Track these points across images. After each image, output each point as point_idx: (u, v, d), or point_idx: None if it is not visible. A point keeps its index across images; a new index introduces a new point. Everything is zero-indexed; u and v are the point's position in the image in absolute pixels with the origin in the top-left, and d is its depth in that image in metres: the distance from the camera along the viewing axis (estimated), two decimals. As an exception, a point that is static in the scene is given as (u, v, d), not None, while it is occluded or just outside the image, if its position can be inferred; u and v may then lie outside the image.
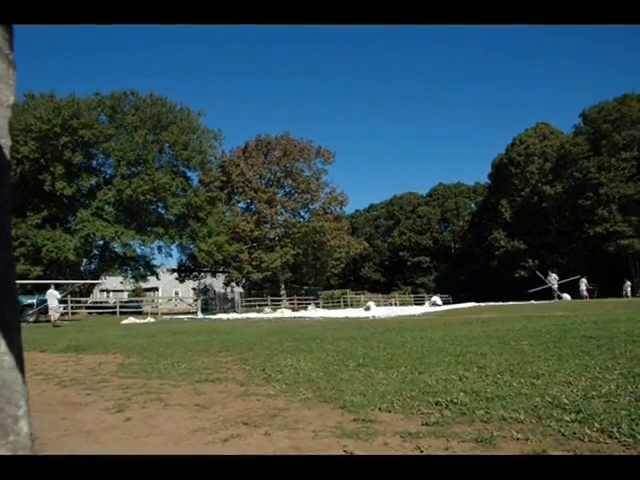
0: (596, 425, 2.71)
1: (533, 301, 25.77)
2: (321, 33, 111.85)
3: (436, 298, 30.45)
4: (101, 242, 33.94)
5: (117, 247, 34.40)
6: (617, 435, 2.55)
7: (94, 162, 35.62)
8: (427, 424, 2.97)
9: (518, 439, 2.60)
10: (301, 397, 3.89)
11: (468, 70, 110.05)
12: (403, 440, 2.72)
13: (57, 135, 30.40)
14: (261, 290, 42.91)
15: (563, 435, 2.62)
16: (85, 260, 35.81)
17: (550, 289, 27.98)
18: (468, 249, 53.09)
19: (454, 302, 36.71)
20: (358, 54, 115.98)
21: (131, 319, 21.77)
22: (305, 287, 45.13)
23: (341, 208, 42.12)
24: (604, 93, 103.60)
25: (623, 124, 40.48)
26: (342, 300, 42.81)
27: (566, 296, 26.69)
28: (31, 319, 21.56)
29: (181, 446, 2.82)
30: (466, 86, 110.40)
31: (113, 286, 48.36)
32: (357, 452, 2.55)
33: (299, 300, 38.98)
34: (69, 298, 29.00)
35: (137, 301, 30.11)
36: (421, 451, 2.53)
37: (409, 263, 63.67)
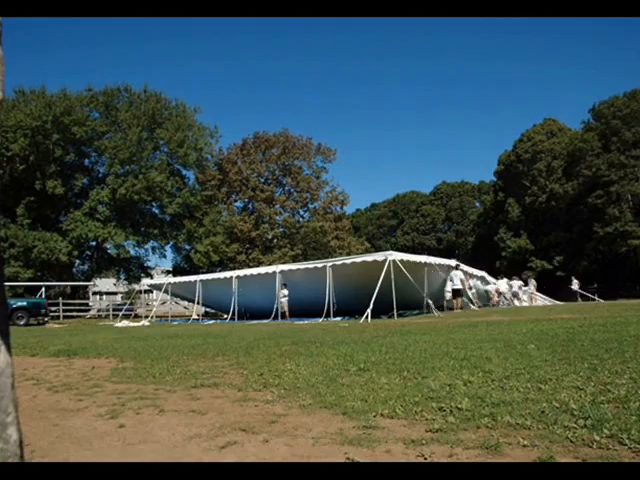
0: (605, 431, 2.67)
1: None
2: (321, 27, 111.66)
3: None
4: (94, 243, 33.70)
5: (110, 248, 34.16)
6: (627, 441, 2.51)
7: (86, 160, 35.41)
8: (431, 430, 2.93)
9: (525, 446, 2.56)
10: (300, 403, 3.82)
11: (472, 65, 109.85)
12: (406, 447, 2.67)
13: (48, 132, 30.16)
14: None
15: (571, 441, 2.58)
16: (77, 261, 35.55)
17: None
18: (473, 249, 52.88)
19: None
20: (359, 49, 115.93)
21: (125, 322, 21.62)
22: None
23: (342, 207, 41.61)
24: (613, 89, 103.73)
25: (634, 120, 40.05)
26: None
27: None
28: (21, 322, 21.38)
29: (176, 453, 2.76)
30: (471, 81, 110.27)
31: (106, 288, 48.16)
32: (359, 459, 2.50)
33: None
34: (60, 300, 28.79)
35: (131, 303, 29.86)
36: (425, 458, 2.50)
37: (413, 264, 63.36)
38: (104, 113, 33.97)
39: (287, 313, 19.31)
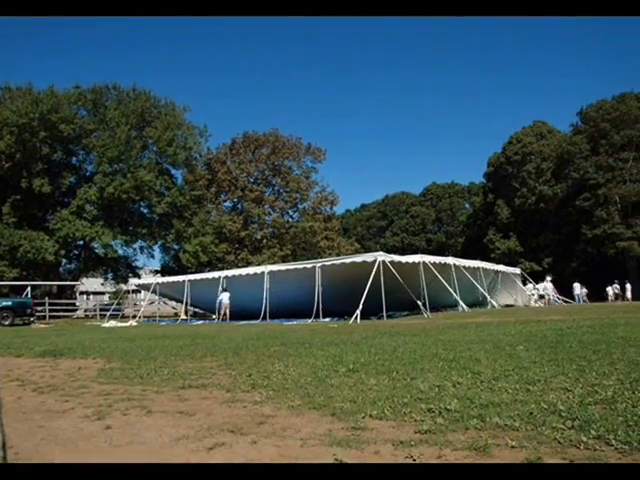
0: (592, 432, 2.69)
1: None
2: (310, 26, 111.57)
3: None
4: (81, 242, 33.33)
5: (98, 247, 33.82)
6: (614, 442, 2.54)
7: (74, 159, 35.00)
8: (419, 432, 2.92)
9: (513, 447, 2.57)
10: (289, 404, 3.81)
11: (462, 67, 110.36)
12: (395, 448, 2.67)
13: (35, 130, 29.78)
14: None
15: (559, 442, 2.59)
16: (64, 261, 35.14)
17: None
18: (463, 250, 52.95)
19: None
20: (350, 49, 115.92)
21: (112, 322, 21.44)
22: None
23: (332, 208, 41.50)
24: (601, 93, 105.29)
25: (622, 123, 40.08)
26: None
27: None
28: (6, 322, 21.08)
29: (164, 455, 2.74)
30: (461, 83, 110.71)
31: (93, 288, 47.69)
32: (347, 461, 2.49)
33: None
34: (46, 300, 28.45)
35: (118, 303, 29.61)
36: (413, 460, 2.49)
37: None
38: (92, 111, 33.58)
39: (228, 315, 20.67)
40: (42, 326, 21.03)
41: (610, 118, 40.44)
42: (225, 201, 40.61)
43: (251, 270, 21.27)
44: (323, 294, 17.53)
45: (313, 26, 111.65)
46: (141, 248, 36.28)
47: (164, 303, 29.99)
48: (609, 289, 31.83)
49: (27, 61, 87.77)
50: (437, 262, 19.87)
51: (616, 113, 40.33)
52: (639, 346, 5.98)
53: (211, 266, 35.35)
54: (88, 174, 34.67)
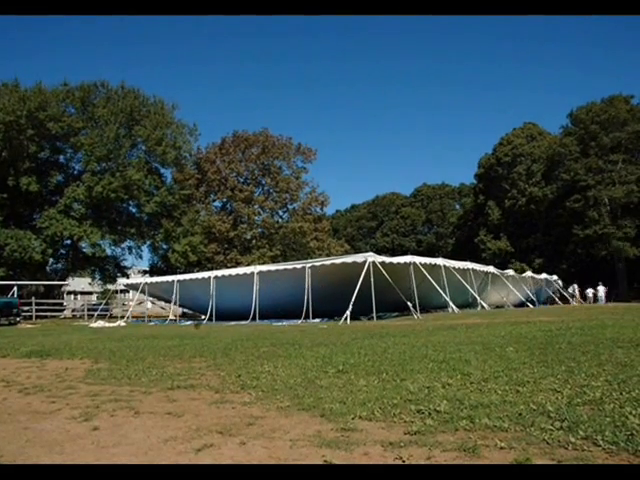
0: (580, 433, 2.71)
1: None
2: (302, 25, 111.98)
3: None
4: (69, 241, 32.99)
5: (85, 247, 33.50)
6: (601, 443, 2.56)
7: (62, 157, 34.65)
8: (409, 433, 2.92)
9: (502, 448, 2.57)
10: (278, 405, 3.79)
11: (453, 69, 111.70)
12: (384, 449, 2.66)
13: (22, 127, 29.44)
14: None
15: (547, 443, 2.60)
16: (51, 260, 34.76)
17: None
18: (453, 251, 53.19)
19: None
20: (340, 50, 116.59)
21: (100, 322, 21.25)
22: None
23: (322, 208, 41.34)
24: (591, 95, 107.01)
25: (611, 126, 40.52)
26: None
27: None
28: None
29: (151, 456, 2.70)
30: (452, 84, 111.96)
31: (81, 288, 47.25)
32: (336, 462, 2.47)
33: None
34: (33, 300, 28.12)
35: (107, 303, 29.35)
36: (403, 461, 2.48)
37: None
38: (80, 109, 33.22)
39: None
40: (28, 326, 20.79)
41: (600, 120, 40.82)
42: (214, 201, 40.43)
43: (240, 270, 21.19)
44: (313, 295, 17.47)
45: (305, 25, 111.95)
46: (129, 248, 36.06)
47: (153, 303, 29.79)
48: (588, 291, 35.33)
49: (14, 58, 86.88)
50: (427, 263, 19.93)
51: (605, 115, 40.70)
52: (627, 347, 6.05)
53: (200, 266, 35.14)
54: (76, 173, 34.35)
